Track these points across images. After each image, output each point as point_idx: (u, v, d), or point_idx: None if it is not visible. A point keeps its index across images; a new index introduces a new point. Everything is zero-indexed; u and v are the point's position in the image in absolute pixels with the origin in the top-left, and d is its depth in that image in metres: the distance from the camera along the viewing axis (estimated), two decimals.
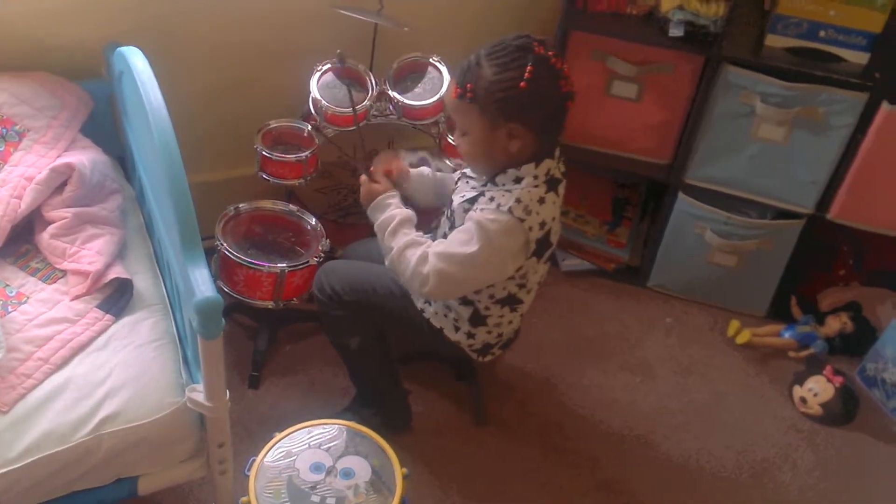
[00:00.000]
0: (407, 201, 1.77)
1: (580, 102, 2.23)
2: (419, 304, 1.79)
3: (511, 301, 1.73)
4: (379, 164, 1.79)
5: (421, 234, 1.68)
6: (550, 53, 1.53)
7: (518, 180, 1.61)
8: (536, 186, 1.60)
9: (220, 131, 2.20)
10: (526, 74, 1.50)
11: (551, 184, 1.63)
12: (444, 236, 1.71)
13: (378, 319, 1.83)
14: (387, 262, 1.68)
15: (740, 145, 2.19)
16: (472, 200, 1.64)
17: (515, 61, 1.51)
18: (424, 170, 1.88)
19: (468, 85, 1.54)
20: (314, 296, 1.87)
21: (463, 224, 1.64)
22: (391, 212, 1.69)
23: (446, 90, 1.61)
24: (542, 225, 1.62)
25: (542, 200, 1.61)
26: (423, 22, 2.15)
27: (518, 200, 1.58)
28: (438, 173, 1.88)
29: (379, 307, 1.79)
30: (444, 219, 1.76)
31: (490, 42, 1.56)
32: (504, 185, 1.62)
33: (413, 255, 1.62)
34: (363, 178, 1.76)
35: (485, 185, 1.66)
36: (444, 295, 1.69)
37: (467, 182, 1.72)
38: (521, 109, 1.54)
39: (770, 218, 2.31)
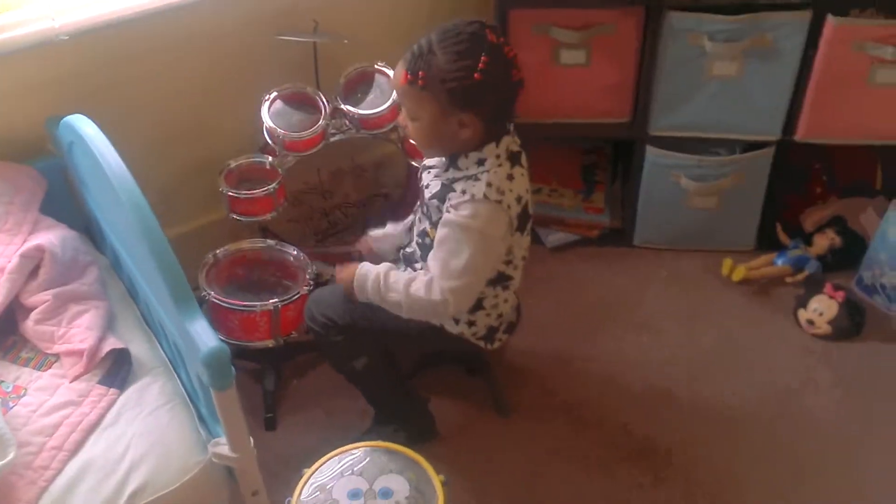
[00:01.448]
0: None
1: (532, 78, 2.21)
2: None
3: (501, 279, 1.73)
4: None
5: (407, 269, 1.69)
6: (503, 41, 1.52)
7: (481, 162, 1.60)
8: (500, 165, 1.60)
9: (181, 181, 2.16)
10: (480, 65, 1.48)
11: (513, 158, 1.62)
12: (425, 233, 1.70)
13: (377, 335, 1.80)
14: (404, 312, 1.66)
15: (697, 87, 2.19)
16: (443, 197, 1.62)
17: (469, 50, 1.49)
18: (388, 229, 1.89)
19: (420, 73, 1.51)
20: (308, 328, 1.84)
21: (439, 221, 1.62)
22: (372, 276, 1.67)
23: (394, 75, 1.58)
24: (519, 199, 1.62)
25: (510, 177, 1.60)
26: (360, 31, 2.13)
27: (489, 184, 1.57)
28: (405, 222, 1.88)
29: (375, 324, 1.77)
30: (420, 215, 1.74)
31: (440, 26, 1.53)
32: (467, 168, 1.60)
33: (418, 288, 1.61)
34: (337, 276, 1.76)
35: (447, 170, 1.64)
36: (467, 304, 1.69)
37: (429, 172, 1.70)
38: (473, 99, 1.52)
39: (740, 152, 2.32)
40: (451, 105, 1.52)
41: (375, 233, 1.93)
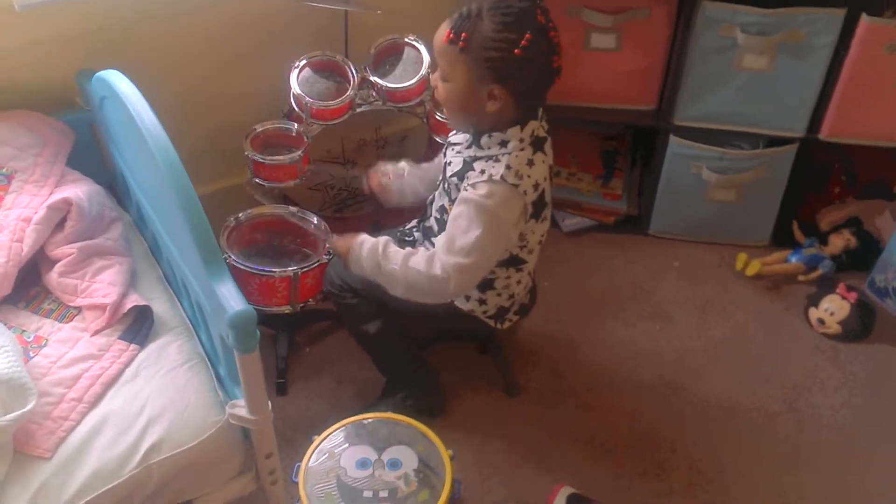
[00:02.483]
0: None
1: (562, 60, 2.24)
2: None
3: (514, 262, 1.73)
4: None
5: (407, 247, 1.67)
6: (551, 25, 1.51)
7: (504, 144, 1.59)
8: (523, 150, 1.59)
9: (204, 143, 2.16)
10: (523, 42, 1.47)
11: (537, 144, 1.62)
12: (443, 209, 1.70)
13: (391, 305, 1.82)
14: (401, 289, 1.63)
15: (725, 79, 2.19)
16: (462, 175, 1.62)
17: (517, 24, 1.47)
18: (402, 167, 1.88)
19: (463, 34, 1.49)
20: (326, 290, 1.86)
21: (456, 200, 1.62)
22: (369, 244, 1.66)
23: (437, 33, 1.57)
24: (536, 186, 1.61)
25: (531, 163, 1.59)
26: (393, 2, 2.12)
27: (508, 167, 1.57)
28: (420, 167, 1.87)
29: (388, 295, 1.77)
30: (441, 191, 1.74)
31: None
32: (490, 148, 1.60)
33: (418, 262, 1.60)
34: (334, 241, 1.75)
35: (469, 147, 1.64)
36: (470, 285, 1.67)
37: (453, 149, 1.70)
38: (509, 74, 1.51)
39: (763, 146, 2.31)
40: (486, 74, 1.51)
41: (386, 167, 1.91)
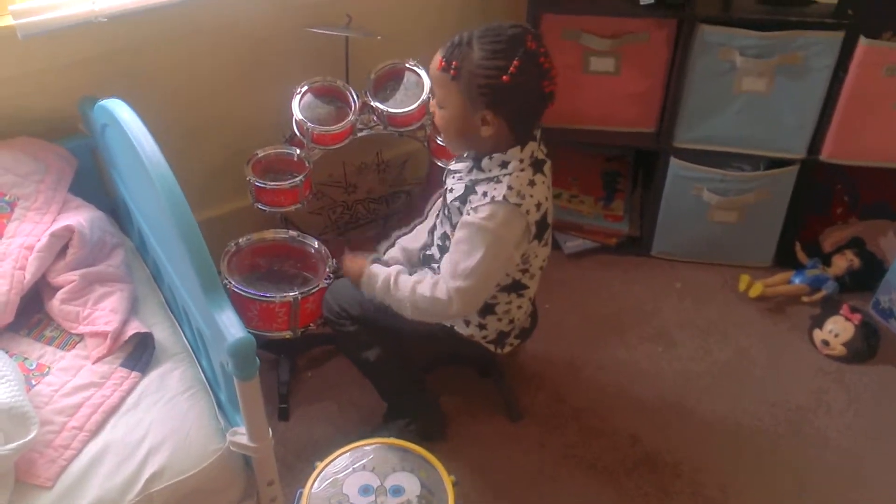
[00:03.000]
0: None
1: (560, 83, 2.25)
2: None
3: (516, 287, 1.73)
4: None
5: (417, 273, 1.69)
6: (542, 51, 1.52)
7: (504, 164, 1.60)
8: (523, 170, 1.60)
9: (206, 168, 2.17)
10: (511, 68, 1.48)
11: (536, 165, 1.63)
12: (445, 236, 1.71)
13: (392, 332, 1.82)
14: (409, 312, 1.66)
15: (725, 101, 2.20)
16: (464, 199, 1.63)
17: (505, 51, 1.49)
18: (396, 253, 1.87)
19: (454, 62, 1.52)
20: (325, 317, 1.86)
21: (457, 224, 1.62)
22: (382, 276, 1.68)
23: (433, 60, 1.59)
24: (538, 206, 1.61)
25: (532, 183, 1.60)
26: (392, 28, 2.13)
27: (510, 187, 1.58)
28: (413, 232, 1.88)
29: (388, 320, 1.77)
30: (441, 218, 1.75)
31: (483, 24, 1.54)
32: (490, 170, 1.61)
33: (424, 288, 1.62)
34: (345, 261, 1.76)
35: (471, 170, 1.64)
36: (473, 308, 1.68)
37: (453, 176, 1.70)
38: (499, 100, 1.53)
39: (764, 168, 2.32)
40: (477, 101, 1.53)
41: (391, 253, 1.91)
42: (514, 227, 1.60)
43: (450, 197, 1.68)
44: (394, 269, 1.69)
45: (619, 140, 2.38)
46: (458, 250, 1.60)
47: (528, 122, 1.61)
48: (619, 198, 2.63)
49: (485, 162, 1.62)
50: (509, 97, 1.52)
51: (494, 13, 2.41)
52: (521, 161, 1.60)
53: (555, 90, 1.56)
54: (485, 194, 1.59)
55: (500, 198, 1.57)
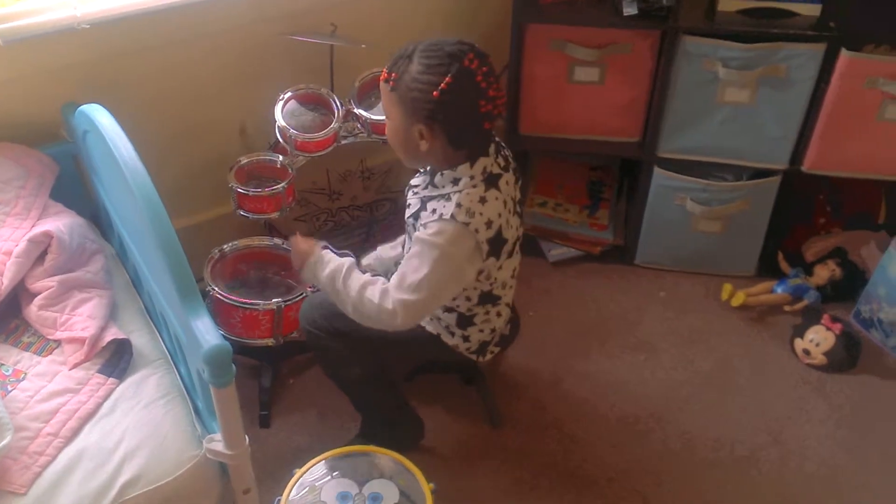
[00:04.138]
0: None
1: (545, 93, 2.27)
2: None
3: (489, 298, 1.73)
4: None
5: (369, 273, 1.66)
6: (483, 70, 1.50)
7: (456, 181, 1.59)
8: (475, 186, 1.58)
9: (190, 174, 2.17)
10: (442, 85, 1.48)
11: (490, 181, 1.60)
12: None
13: (375, 343, 1.78)
14: (350, 311, 1.63)
15: (708, 112, 2.21)
16: (416, 216, 1.63)
17: (440, 67, 1.48)
18: (377, 254, 1.89)
19: (394, 74, 1.53)
20: (303, 329, 1.83)
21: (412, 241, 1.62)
22: (334, 263, 1.65)
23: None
24: (489, 224, 1.58)
25: (483, 200, 1.58)
26: (377, 37, 2.14)
27: (459, 205, 1.56)
28: (395, 243, 1.88)
29: (368, 329, 1.74)
30: (406, 237, 1.75)
31: (430, 39, 1.53)
32: (443, 186, 1.60)
33: (373, 293, 1.59)
34: (292, 239, 1.73)
35: (426, 187, 1.64)
36: (416, 320, 1.66)
37: (412, 191, 1.70)
38: (430, 115, 1.52)
39: (747, 178, 2.33)
40: (413, 114, 1.53)
41: (366, 261, 1.92)
42: (462, 245, 1.57)
43: (407, 213, 1.68)
44: (346, 261, 1.66)
45: (603, 149, 2.39)
46: (408, 264, 1.59)
47: (466, 139, 1.58)
48: (604, 207, 2.64)
49: (437, 178, 1.61)
50: (440, 113, 1.51)
51: (480, 23, 2.43)
52: (472, 178, 1.59)
53: (493, 111, 1.54)
54: (433, 211, 1.59)
55: (447, 216, 1.56)
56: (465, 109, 1.53)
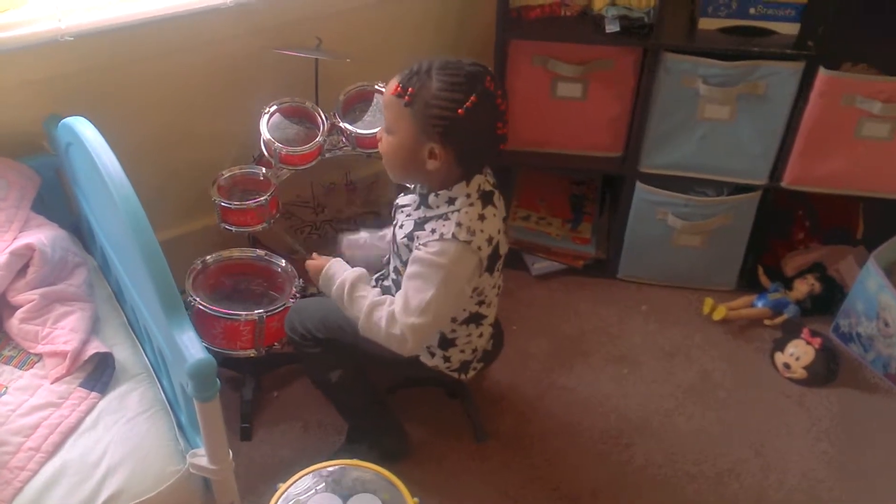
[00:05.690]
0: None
1: (528, 108, 2.28)
2: None
3: (474, 319, 1.74)
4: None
5: (377, 290, 1.67)
6: (499, 93, 1.53)
7: (451, 201, 1.60)
8: (472, 205, 1.59)
9: (174, 186, 2.17)
10: (468, 103, 1.49)
11: (485, 198, 1.62)
12: (396, 271, 1.71)
13: (356, 353, 1.80)
14: (360, 331, 1.65)
15: (689, 128, 2.23)
16: (412, 237, 1.63)
17: (464, 85, 1.49)
18: (362, 236, 1.89)
19: (410, 89, 1.52)
20: (288, 337, 1.85)
21: (409, 260, 1.61)
22: (340, 278, 1.66)
23: (388, 85, 1.58)
24: (490, 241, 1.60)
25: (482, 217, 1.59)
26: (362, 51, 2.15)
27: (459, 224, 1.57)
28: (380, 231, 1.88)
29: (352, 342, 1.76)
30: (392, 254, 1.75)
31: (443, 57, 1.54)
32: (438, 207, 1.60)
33: (380, 318, 1.60)
34: (307, 262, 1.76)
35: (418, 208, 1.64)
36: (428, 341, 1.68)
37: (402, 211, 1.70)
38: (450, 133, 1.52)
39: (727, 194, 2.36)
40: (428, 131, 1.52)
41: (349, 238, 1.92)
42: (465, 263, 1.58)
43: (399, 234, 1.67)
44: (348, 276, 1.66)
45: (585, 164, 2.41)
46: (410, 286, 1.59)
47: (476, 161, 1.60)
48: (587, 220, 2.66)
49: (431, 199, 1.61)
50: (461, 132, 1.52)
51: (466, 39, 2.45)
52: (469, 196, 1.59)
53: (506, 134, 1.56)
54: (433, 231, 1.58)
55: (449, 235, 1.56)
56: (484, 130, 1.54)
